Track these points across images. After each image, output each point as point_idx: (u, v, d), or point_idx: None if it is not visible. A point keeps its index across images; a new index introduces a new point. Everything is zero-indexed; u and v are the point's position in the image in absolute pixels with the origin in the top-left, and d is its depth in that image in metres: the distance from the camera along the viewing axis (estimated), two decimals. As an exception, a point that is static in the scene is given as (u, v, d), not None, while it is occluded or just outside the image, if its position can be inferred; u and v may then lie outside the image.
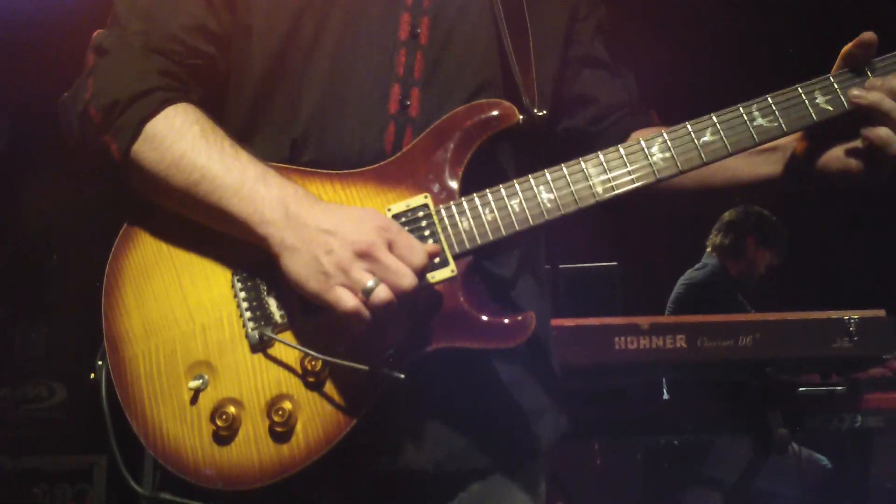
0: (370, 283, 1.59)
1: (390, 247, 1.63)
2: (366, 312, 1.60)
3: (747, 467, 4.23)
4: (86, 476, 4.90)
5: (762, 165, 1.96)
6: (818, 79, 1.83)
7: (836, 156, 1.86)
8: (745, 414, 3.99)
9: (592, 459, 4.88)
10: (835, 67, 1.85)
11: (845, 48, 1.84)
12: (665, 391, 5.03)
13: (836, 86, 1.82)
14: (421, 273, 1.64)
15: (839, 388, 4.07)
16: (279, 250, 1.66)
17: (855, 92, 1.80)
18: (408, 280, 1.61)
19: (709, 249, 5.92)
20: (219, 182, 1.70)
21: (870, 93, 1.79)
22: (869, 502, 4.59)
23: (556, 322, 3.69)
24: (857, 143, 1.83)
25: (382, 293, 1.60)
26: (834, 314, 3.73)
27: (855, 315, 3.72)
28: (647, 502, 5.12)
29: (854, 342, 3.70)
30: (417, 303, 1.69)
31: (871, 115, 1.78)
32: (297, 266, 1.64)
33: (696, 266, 5.89)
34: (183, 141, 1.73)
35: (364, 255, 1.61)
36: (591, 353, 3.71)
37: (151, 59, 1.80)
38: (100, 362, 1.75)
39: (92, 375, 1.76)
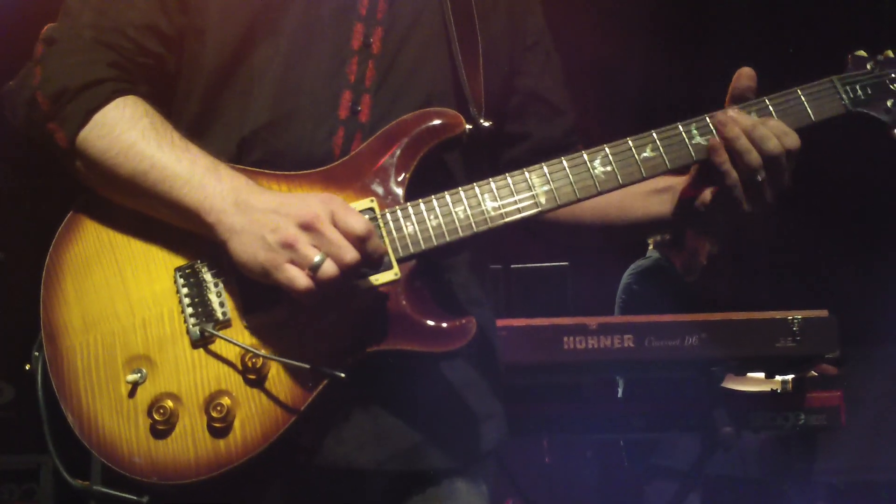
0: (317, 258, 1.61)
1: (333, 218, 1.64)
2: (315, 289, 1.62)
3: (696, 462, 4.29)
4: (33, 475, 4.84)
5: (654, 205, 2.02)
6: (697, 118, 1.88)
7: (701, 197, 1.91)
8: (691, 412, 4.04)
9: (542, 457, 4.92)
10: (725, 104, 1.89)
11: (730, 87, 1.89)
12: (620, 390, 5.08)
13: (711, 125, 1.86)
14: (361, 242, 1.64)
15: (783, 387, 4.13)
16: (227, 235, 1.67)
17: (721, 118, 1.83)
18: (350, 254, 1.62)
19: (651, 246, 6.02)
20: (169, 171, 1.71)
21: (733, 126, 1.82)
22: (813, 499, 4.67)
23: (506, 322, 3.72)
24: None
25: (329, 268, 1.61)
26: (778, 314, 3.79)
27: (798, 315, 3.77)
28: (600, 497, 5.16)
29: (798, 342, 3.76)
30: (360, 304, 1.71)
31: (728, 149, 1.82)
32: (244, 247, 1.66)
33: (641, 259, 5.98)
34: (133, 131, 1.74)
35: (308, 227, 1.63)
36: (540, 353, 3.73)
37: (101, 51, 1.81)
38: (36, 353, 1.74)
39: (27, 366, 1.76)
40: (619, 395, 4.85)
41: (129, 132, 1.74)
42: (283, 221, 1.64)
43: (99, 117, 1.75)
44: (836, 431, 4.27)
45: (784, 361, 3.92)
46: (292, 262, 1.63)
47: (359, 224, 1.65)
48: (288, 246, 1.63)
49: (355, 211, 1.68)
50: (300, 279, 1.62)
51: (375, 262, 1.69)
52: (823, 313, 3.82)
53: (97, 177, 1.77)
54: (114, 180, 1.75)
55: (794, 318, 3.76)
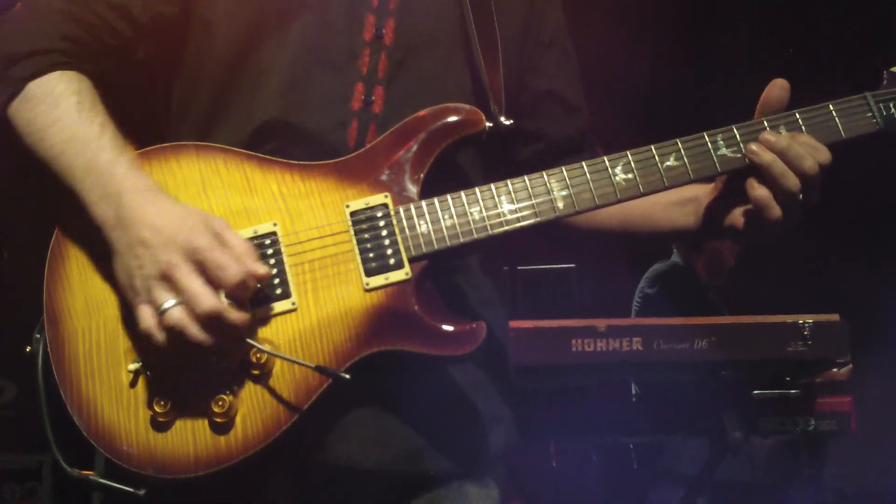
0: (167, 303, 1.58)
1: (202, 265, 1.60)
2: (158, 334, 1.59)
3: (704, 467, 4.26)
4: (35, 474, 4.82)
5: (678, 216, 1.96)
6: (724, 128, 1.82)
7: (729, 211, 1.86)
8: (700, 416, 4.01)
9: (548, 460, 4.88)
10: (755, 115, 1.84)
11: (762, 98, 1.83)
12: (633, 393, 5.04)
13: (738, 137, 1.81)
14: (237, 288, 1.60)
15: (793, 392, 4.10)
16: (111, 248, 1.66)
17: (753, 147, 1.78)
18: (206, 303, 1.58)
19: (675, 249, 5.96)
20: (72, 161, 1.68)
21: (765, 152, 1.76)
22: (822, 504, 4.65)
23: (513, 324, 3.67)
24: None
25: (175, 314, 1.58)
26: (789, 318, 3.75)
27: (809, 319, 3.74)
28: (606, 502, 5.13)
29: (809, 346, 3.72)
30: (369, 307, 1.68)
31: (762, 173, 1.77)
32: (119, 272, 1.65)
33: (659, 262, 5.92)
34: (56, 110, 1.71)
35: (165, 277, 1.60)
36: (548, 355, 3.70)
37: (61, 23, 1.77)
38: (37, 335, 1.71)
39: (28, 348, 1.72)
40: (634, 398, 4.81)
41: (52, 110, 1.71)
42: (148, 261, 1.61)
43: (31, 88, 1.72)
44: (846, 437, 4.24)
45: (794, 366, 3.88)
46: (148, 302, 1.61)
47: (231, 276, 1.60)
48: (146, 288, 1.61)
49: (228, 262, 1.61)
50: (146, 318, 1.60)
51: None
52: (834, 317, 3.78)
53: (22, 151, 1.73)
54: (34, 159, 1.71)
55: (805, 323, 3.72)
